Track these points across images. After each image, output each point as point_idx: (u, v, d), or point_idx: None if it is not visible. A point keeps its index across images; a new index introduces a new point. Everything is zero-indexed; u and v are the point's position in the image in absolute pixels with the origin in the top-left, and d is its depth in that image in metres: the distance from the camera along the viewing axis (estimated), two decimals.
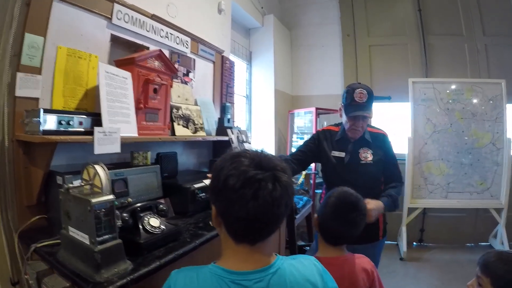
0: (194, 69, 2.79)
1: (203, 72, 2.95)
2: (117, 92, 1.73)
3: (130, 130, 1.77)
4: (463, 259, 3.99)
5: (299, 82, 5.07)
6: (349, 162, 2.09)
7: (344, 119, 2.10)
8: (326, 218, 1.50)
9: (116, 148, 1.57)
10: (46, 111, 1.45)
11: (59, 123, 1.48)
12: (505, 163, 3.96)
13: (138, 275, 1.18)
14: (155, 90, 2.00)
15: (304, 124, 4.62)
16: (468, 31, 4.48)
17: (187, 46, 2.67)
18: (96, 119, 1.61)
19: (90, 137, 1.49)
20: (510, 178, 3.93)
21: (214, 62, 3.09)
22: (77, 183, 1.29)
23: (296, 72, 5.07)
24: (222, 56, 3.22)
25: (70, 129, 1.51)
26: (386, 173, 2.13)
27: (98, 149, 1.49)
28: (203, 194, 2.00)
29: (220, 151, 3.01)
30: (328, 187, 2.19)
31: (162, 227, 1.46)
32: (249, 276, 0.87)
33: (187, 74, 2.70)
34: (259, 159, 0.90)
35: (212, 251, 1.56)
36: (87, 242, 1.16)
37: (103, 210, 1.15)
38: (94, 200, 1.12)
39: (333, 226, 1.47)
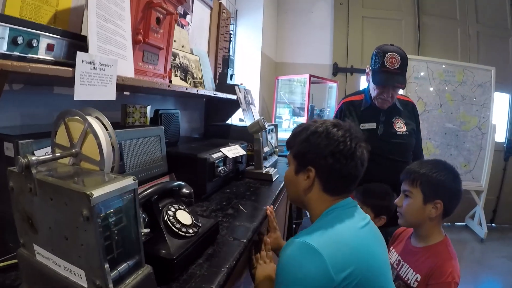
0: (192, 12, 2.04)
1: (200, 17, 2.21)
2: (111, 8, 1.01)
3: (126, 69, 1.05)
4: None
5: (283, 48, 4.35)
6: (383, 133, 1.68)
7: (371, 85, 1.68)
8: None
9: (109, 92, 0.87)
10: None
11: (13, 42, 0.74)
12: (488, 147, 3.75)
13: None
14: (158, 21, 1.28)
15: (291, 92, 3.99)
16: (462, 15, 4.11)
17: None
18: (77, 45, 0.87)
19: (68, 69, 0.76)
20: (491, 163, 3.74)
21: (211, 9, 2.35)
22: (41, 154, 0.59)
23: (281, 38, 4.35)
24: (220, 3, 2.47)
25: (31, 55, 0.77)
26: (415, 146, 1.79)
27: (81, 92, 0.78)
28: (223, 167, 1.35)
29: (216, 114, 2.33)
30: None
31: (198, 224, 0.79)
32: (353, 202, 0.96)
33: (184, 16, 1.95)
34: (352, 128, 0.95)
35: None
36: (83, 284, 0.47)
37: (113, 211, 0.47)
38: (97, 193, 0.42)
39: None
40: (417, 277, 1.14)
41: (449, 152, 3.74)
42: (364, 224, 0.90)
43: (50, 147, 0.71)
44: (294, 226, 3.18)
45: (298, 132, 0.98)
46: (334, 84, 3.99)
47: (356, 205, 0.95)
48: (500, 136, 4.06)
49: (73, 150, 0.61)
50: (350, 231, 0.84)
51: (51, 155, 0.59)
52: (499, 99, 4.00)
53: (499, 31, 4.12)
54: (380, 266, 0.85)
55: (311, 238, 0.78)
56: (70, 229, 0.48)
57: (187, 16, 2.01)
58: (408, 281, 1.17)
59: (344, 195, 0.94)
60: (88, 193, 0.44)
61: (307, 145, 0.92)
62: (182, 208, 0.82)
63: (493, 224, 4.20)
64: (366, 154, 0.94)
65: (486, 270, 2.94)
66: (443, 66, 3.77)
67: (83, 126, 0.59)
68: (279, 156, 2.46)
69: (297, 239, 0.80)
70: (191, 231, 0.77)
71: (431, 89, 3.77)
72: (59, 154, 0.61)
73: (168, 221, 0.75)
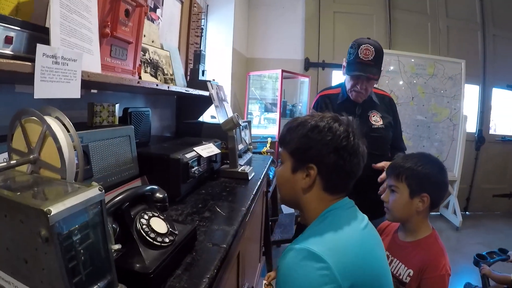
0: (162, 5, 1.96)
1: (171, 11, 2.13)
2: None
3: (92, 64, 0.97)
4: None
5: (255, 43, 4.30)
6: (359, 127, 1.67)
7: (346, 77, 1.71)
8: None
9: (73, 89, 0.80)
10: None
11: None
12: (460, 138, 3.89)
13: None
14: (127, 13, 1.21)
15: (262, 88, 3.96)
16: (432, 10, 4.24)
17: None
18: (40, 38, 0.80)
19: (26, 63, 0.68)
20: (463, 153, 3.88)
21: (182, 3, 2.28)
22: None
23: (252, 33, 4.30)
24: None
25: None
26: (394, 139, 1.80)
27: (42, 89, 0.71)
28: (198, 167, 1.30)
29: (187, 112, 2.26)
30: None
31: (174, 232, 0.74)
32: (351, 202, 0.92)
33: (154, 10, 1.87)
34: (352, 123, 0.92)
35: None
36: None
37: (78, 228, 0.41)
38: (56, 209, 0.36)
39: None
40: (410, 272, 1.15)
41: (422, 144, 3.84)
42: (365, 225, 0.88)
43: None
44: (270, 223, 3.16)
45: (294, 127, 0.91)
46: (306, 79, 4.01)
47: (354, 205, 0.92)
48: (471, 127, 4.22)
49: (31, 156, 0.54)
50: (354, 234, 0.81)
51: (5, 163, 0.53)
52: (470, 91, 4.15)
53: (468, 25, 4.27)
54: (382, 267, 0.83)
55: (313, 244, 0.74)
56: (29, 251, 0.42)
57: (157, 10, 1.94)
58: (400, 277, 1.17)
59: (342, 194, 0.90)
60: (45, 209, 0.38)
61: (308, 140, 0.86)
62: (156, 215, 0.76)
63: (467, 212, 4.38)
64: (365, 150, 0.90)
65: (463, 257, 3.02)
66: (413, 60, 3.87)
67: (42, 128, 0.52)
68: (253, 153, 2.43)
69: (297, 245, 0.75)
70: (167, 240, 0.71)
71: (402, 82, 3.85)
72: (14, 161, 0.54)
73: (142, 231, 0.69)
